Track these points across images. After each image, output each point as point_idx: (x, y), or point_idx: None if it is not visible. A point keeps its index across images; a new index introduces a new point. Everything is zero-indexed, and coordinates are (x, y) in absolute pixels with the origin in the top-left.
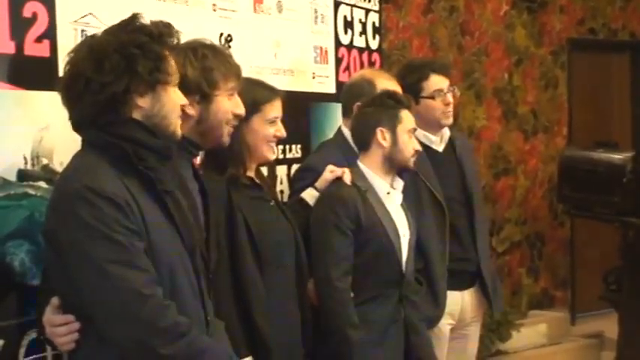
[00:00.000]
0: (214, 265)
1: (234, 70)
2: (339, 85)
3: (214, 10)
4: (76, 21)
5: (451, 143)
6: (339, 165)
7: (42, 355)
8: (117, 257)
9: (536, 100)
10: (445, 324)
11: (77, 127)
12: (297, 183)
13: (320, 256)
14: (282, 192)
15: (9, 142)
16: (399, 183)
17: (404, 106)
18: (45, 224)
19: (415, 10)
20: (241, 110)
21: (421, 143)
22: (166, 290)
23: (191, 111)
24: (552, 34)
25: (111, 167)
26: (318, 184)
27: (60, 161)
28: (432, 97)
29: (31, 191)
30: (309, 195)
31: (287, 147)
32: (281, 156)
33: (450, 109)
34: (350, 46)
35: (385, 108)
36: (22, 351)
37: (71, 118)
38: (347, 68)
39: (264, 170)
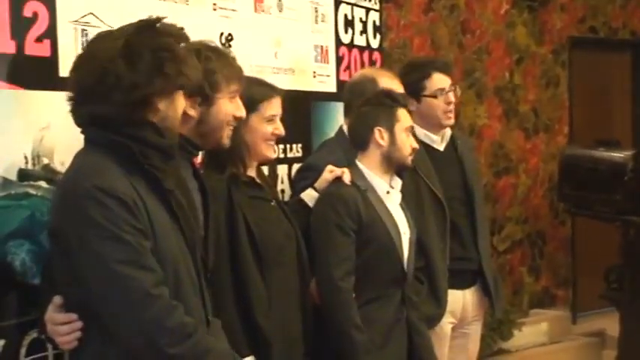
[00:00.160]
0: (213, 263)
1: (236, 72)
2: (340, 84)
3: (215, 10)
4: (76, 20)
5: (452, 142)
6: (340, 164)
7: (43, 355)
8: (126, 257)
9: (537, 98)
10: (446, 323)
11: (86, 124)
12: (299, 182)
13: (322, 257)
14: (282, 191)
15: (9, 141)
16: (398, 182)
17: (401, 105)
18: (51, 223)
19: (416, 9)
20: (242, 113)
21: (422, 142)
22: (171, 290)
23: (192, 112)
24: (553, 33)
25: (118, 167)
26: (317, 184)
27: (60, 161)
28: (434, 96)
29: (32, 191)
30: (308, 196)
31: (288, 146)
32: (282, 155)
33: (452, 108)
34: (351, 45)
35: (382, 107)
36: (23, 351)
37: (85, 114)
38: (348, 67)
39: (265, 169)
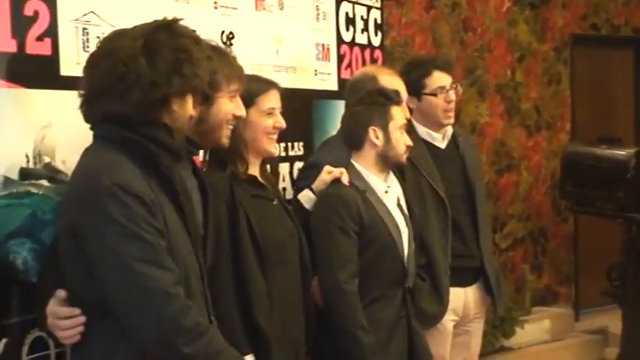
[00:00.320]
0: (213, 262)
1: (237, 72)
2: (342, 82)
3: (216, 8)
4: (77, 19)
5: (454, 140)
6: (342, 162)
7: (45, 354)
8: (145, 256)
9: (539, 96)
10: (448, 320)
11: (100, 121)
12: (302, 181)
13: (325, 259)
14: (284, 189)
15: (11, 140)
16: (393, 180)
17: (394, 103)
18: (67, 219)
19: (417, 7)
20: (242, 112)
21: (424, 140)
22: (183, 290)
23: (192, 111)
24: (555, 30)
25: (133, 165)
26: (314, 185)
27: (62, 159)
28: (435, 94)
29: (34, 190)
30: (305, 197)
31: (289, 144)
32: (283, 153)
33: (452, 106)
34: (352, 43)
35: (376, 106)
36: (25, 349)
37: (100, 111)
38: (349, 65)
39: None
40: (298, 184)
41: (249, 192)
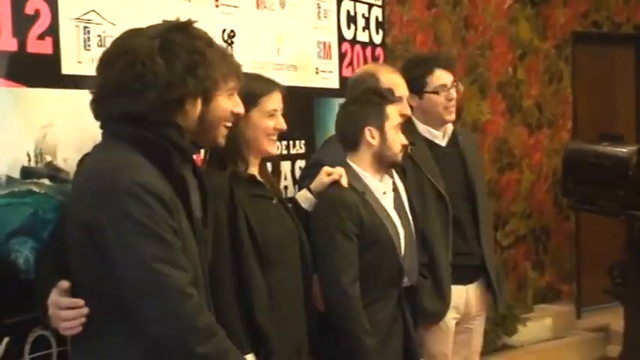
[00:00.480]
0: (214, 261)
1: (234, 69)
2: (343, 80)
3: (217, 6)
4: (78, 18)
5: (454, 138)
6: (345, 161)
7: (47, 352)
8: (164, 256)
9: (540, 93)
10: (450, 318)
11: (114, 119)
12: (304, 180)
13: (327, 263)
14: (286, 188)
15: (12, 139)
16: (389, 181)
17: (389, 102)
18: (83, 215)
19: (419, 5)
20: (240, 109)
21: (424, 138)
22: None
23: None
24: (556, 28)
25: (152, 165)
26: (312, 185)
27: (63, 158)
28: (436, 92)
29: (35, 188)
30: (303, 197)
31: (291, 143)
32: (285, 152)
33: (453, 104)
34: (353, 41)
35: (371, 105)
36: (27, 348)
37: (114, 110)
38: (350, 63)
39: (268, 166)
40: (301, 183)
41: (249, 191)
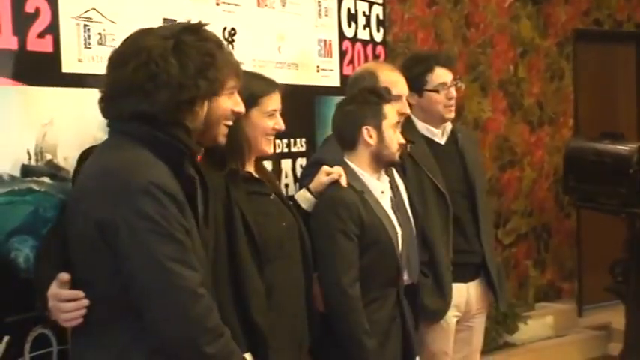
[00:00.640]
0: (212, 260)
1: (234, 68)
2: (344, 78)
3: (218, 5)
4: (79, 16)
5: (453, 136)
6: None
7: (47, 351)
8: (177, 255)
9: (541, 91)
10: (451, 316)
11: (125, 118)
12: (305, 179)
13: (328, 263)
14: (286, 186)
15: (13, 137)
16: (386, 180)
17: (386, 101)
18: (93, 212)
19: (420, 3)
20: (241, 108)
21: (423, 136)
22: None
23: None
24: (557, 26)
25: (164, 165)
26: (312, 186)
27: (64, 156)
28: (436, 91)
29: (35, 187)
30: (302, 197)
31: (291, 141)
32: (285, 150)
33: (453, 102)
34: (354, 39)
35: (368, 105)
36: (28, 346)
37: (124, 109)
38: (351, 61)
39: (269, 164)
40: (301, 182)
41: (246, 189)
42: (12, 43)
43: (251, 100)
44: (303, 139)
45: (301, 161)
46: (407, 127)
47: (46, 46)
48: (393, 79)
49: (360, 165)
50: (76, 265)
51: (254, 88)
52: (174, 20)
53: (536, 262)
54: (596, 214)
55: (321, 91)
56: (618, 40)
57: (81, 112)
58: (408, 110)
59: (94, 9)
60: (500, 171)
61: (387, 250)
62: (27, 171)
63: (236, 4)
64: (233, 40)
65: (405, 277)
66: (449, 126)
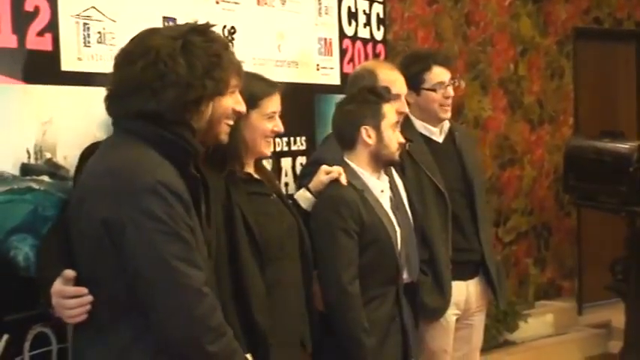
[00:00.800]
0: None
1: (235, 67)
2: (344, 76)
3: (217, 3)
4: (78, 14)
5: (451, 134)
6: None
7: (47, 349)
8: (183, 254)
9: (541, 90)
10: (451, 314)
11: (131, 117)
12: (304, 178)
13: (328, 261)
14: (286, 184)
15: (12, 136)
16: (385, 179)
17: (385, 100)
18: (99, 211)
19: (420, 1)
20: (242, 107)
21: (421, 134)
22: None
23: None
24: (557, 24)
25: (170, 164)
26: (311, 185)
27: (63, 155)
28: (434, 90)
29: (35, 185)
30: (302, 197)
31: (292, 139)
32: (285, 148)
33: (449, 102)
34: (354, 38)
35: (367, 104)
36: (27, 345)
37: (130, 107)
38: (351, 60)
39: (269, 163)
40: (301, 181)
41: (246, 190)
42: (11, 42)
43: (251, 101)
44: (303, 138)
45: (301, 159)
46: (405, 125)
47: (45, 44)
48: (392, 78)
49: (360, 164)
50: (80, 263)
51: (254, 89)
52: (174, 19)
53: (536, 260)
54: (596, 213)
55: (321, 89)
56: (618, 38)
57: (80, 111)
58: (406, 109)
59: (94, 7)
60: (500, 169)
61: (386, 248)
62: (26, 169)
63: (236, 3)
64: (233, 39)
65: (405, 275)
66: (446, 124)
